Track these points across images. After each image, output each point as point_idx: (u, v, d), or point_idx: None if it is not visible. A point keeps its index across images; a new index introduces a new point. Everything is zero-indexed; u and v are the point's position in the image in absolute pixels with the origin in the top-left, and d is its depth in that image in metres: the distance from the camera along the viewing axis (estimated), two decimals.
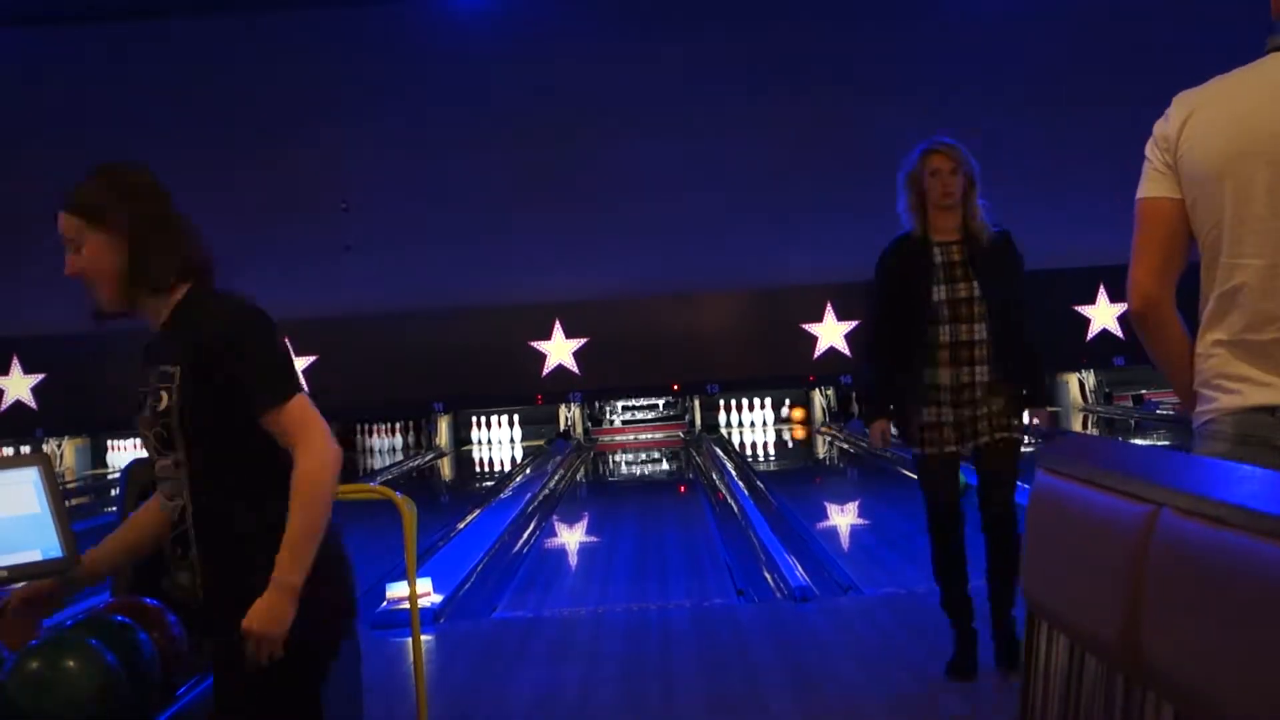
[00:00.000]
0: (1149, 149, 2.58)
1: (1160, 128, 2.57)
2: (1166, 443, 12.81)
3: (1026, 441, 4.83)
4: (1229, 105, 2.46)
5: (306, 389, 2.49)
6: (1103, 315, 15.36)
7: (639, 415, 17.41)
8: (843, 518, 10.17)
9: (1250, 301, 2.39)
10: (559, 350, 15.48)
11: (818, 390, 16.80)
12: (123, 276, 2.54)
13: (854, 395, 16.66)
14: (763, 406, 17.27)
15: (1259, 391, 2.37)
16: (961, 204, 4.68)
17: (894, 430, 4.74)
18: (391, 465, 15.99)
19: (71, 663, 2.15)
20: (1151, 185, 2.57)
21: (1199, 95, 2.53)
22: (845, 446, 14.88)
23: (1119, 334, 15.29)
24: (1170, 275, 2.54)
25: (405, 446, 17.38)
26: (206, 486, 2.47)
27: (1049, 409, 4.95)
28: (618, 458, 15.58)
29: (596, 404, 17.10)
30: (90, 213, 2.53)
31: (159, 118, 15.56)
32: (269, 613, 2.31)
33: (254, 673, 2.34)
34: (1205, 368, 2.47)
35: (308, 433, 2.39)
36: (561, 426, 16.96)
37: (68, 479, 15.81)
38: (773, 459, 14.85)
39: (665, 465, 14.65)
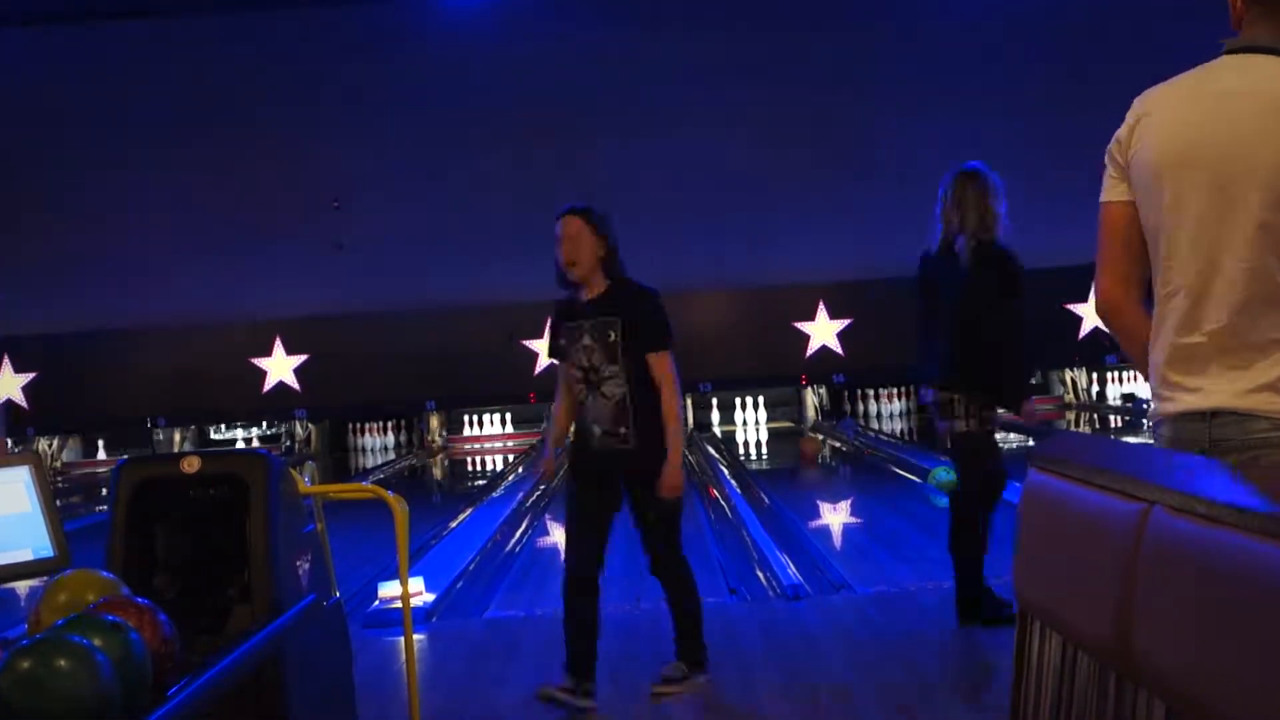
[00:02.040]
0: (1108, 153, 2.62)
1: (1119, 132, 2.60)
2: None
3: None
4: (1175, 110, 2.49)
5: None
6: (1095, 314, 15.38)
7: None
8: (835, 516, 10.18)
9: (1181, 309, 2.44)
10: None
11: (809, 389, 16.81)
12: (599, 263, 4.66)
13: (845, 394, 16.67)
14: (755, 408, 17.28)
15: (1190, 397, 2.43)
16: None
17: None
18: (384, 464, 15.98)
19: (63, 662, 2.14)
20: (1108, 190, 2.60)
21: (1152, 99, 2.55)
22: (837, 445, 14.89)
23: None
24: (1133, 277, 2.60)
25: (397, 445, 17.37)
26: (637, 383, 4.60)
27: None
28: None
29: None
30: (597, 226, 4.68)
31: (156, 118, 15.53)
32: (677, 475, 4.58)
33: (669, 503, 4.61)
34: (1152, 371, 2.54)
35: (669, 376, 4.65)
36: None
37: (59, 478, 15.79)
38: (765, 457, 14.86)
39: None
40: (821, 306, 15.61)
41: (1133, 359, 2.68)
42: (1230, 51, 2.49)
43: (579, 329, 4.64)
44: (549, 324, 4.87)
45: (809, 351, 15.64)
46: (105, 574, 2.72)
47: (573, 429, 4.77)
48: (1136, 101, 2.60)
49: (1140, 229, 2.56)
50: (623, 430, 4.57)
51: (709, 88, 15.80)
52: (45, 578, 2.73)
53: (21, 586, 6.80)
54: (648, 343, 4.61)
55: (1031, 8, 15.68)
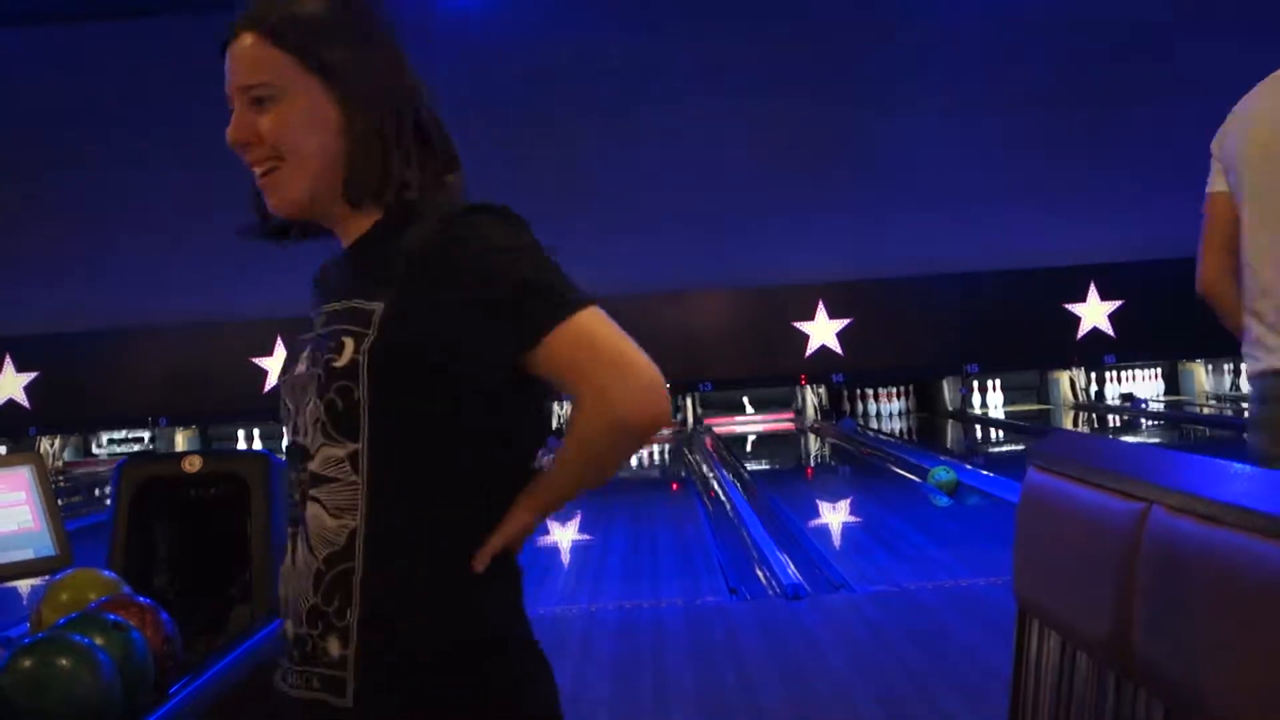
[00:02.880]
0: (1211, 148, 3.02)
1: (1221, 128, 3.00)
2: (1157, 440, 12.84)
3: None
4: (1256, 103, 2.87)
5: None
6: (1093, 313, 15.38)
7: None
8: (834, 515, 10.18)
9: (1263, 278, 2.79)
10: None
11: (809, 388, 16.80)
12: (337, 165, 1.63)
13: (844, 394, 16.67)
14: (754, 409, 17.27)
15: (1272, 356, 2.74)
16: None
17: None
18: None
19: (64, 661, 2.14)
20: (1210, 182, 2.98)
21: (1245, 97, 2.94)
22: (837, 444, 14.89)
23: (1109, 332, 15.32)
24: (1229, 258, 2.93)
25: None
26: (396, 502, 1.56)
27: None
28: None
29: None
30: (306, 49, 1.63)
31: (156, 117, 15.53)
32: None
33: None
34: (1245, 334, 2.87)
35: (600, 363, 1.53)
36: (556, 423, 16.90)
37: (60, 478, 15.78)
38: (765, 457, 14.85)
39: (656, 463, 14.65)
40: (821, 306, 15.60)
41: (1232, 329, 2.98)
42: None
43: (303, 340, 1.69)
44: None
45: (809, 351, 15.63)
46: (107, 573, 2.72)
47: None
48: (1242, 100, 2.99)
49: (1235, 215, 2.90)
50: (330, 648, 1.56)
51: (709, 88, 15.80)
52: (46, 577, 2.74)
53: (22, 586, 6.80)
54: (492, 349, 1.53)
55: (1031, 8, 15.68)
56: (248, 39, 1.68)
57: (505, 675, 1.61)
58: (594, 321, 1.54)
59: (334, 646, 1.57)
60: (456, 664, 1.55)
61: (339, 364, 1.56)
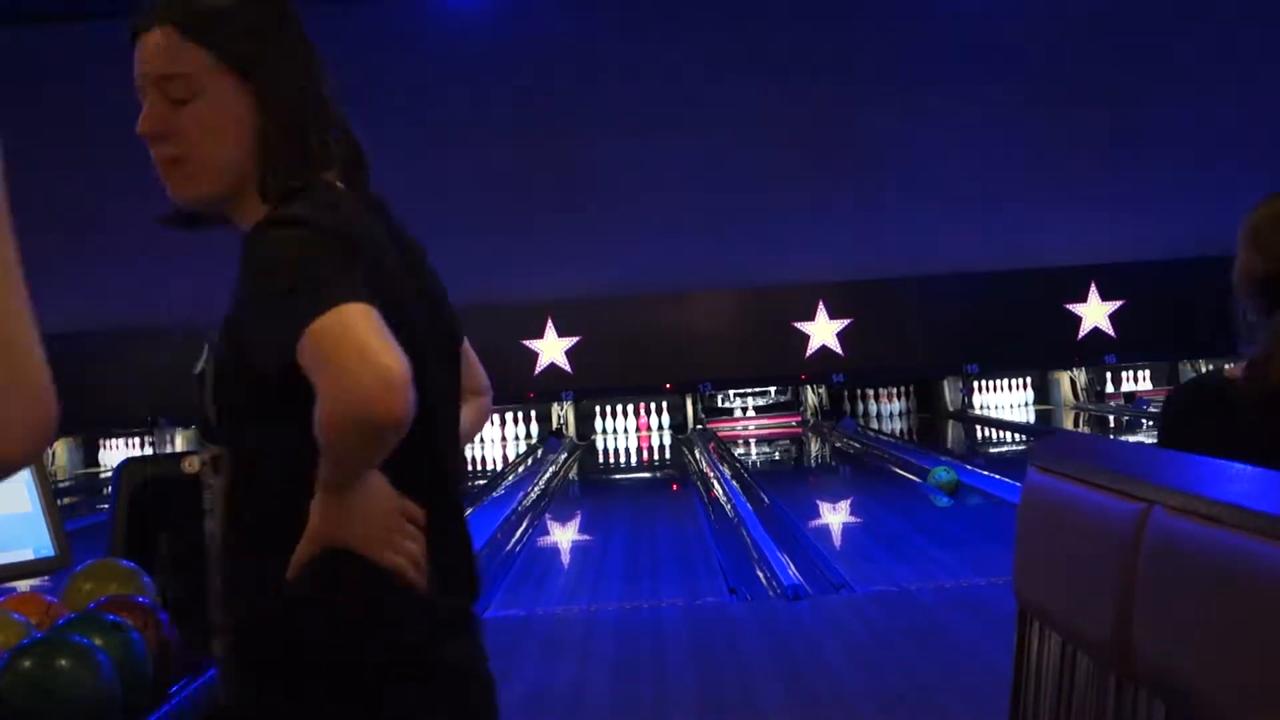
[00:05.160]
0: None
1: None
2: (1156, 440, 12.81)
3: None
4: None
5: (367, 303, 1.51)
6: (1094, 313, 15.38)
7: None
8: (835, 516, 10.18)
9: None
10: (551, 349, 15.49)
11: (810, 388, 16.80)
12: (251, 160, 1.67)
13: (845, 393, 16.67)
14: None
15: None
16: None
17: None
18: None
19: (64, 662, 2.14)
20: None
21: None
22: (838, 444, 14.90)
23: (1110, 332, 15.32)
24: None
25: None
26: (241, 507, 1.60)
27: None
28: (609, 459, 15.57)
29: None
30: (221, 44, 1.63)
31: None
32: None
33: None
34: None
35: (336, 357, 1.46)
36: (554, 424, 16.90)
37: (59, 478, 15.79)
38: (765, 457, 14.86)
39: (656, 463, 14.65)
40: (821, 306, 15.60)
41: None
42: None
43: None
44: None
45: (809, 351, 15.63)
46: (125, 563, 2.72)
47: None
48: None
49: None
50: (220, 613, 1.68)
51: (709, 87, 15.80)
52: (46, 577, 2.74)
53: (22, 586, 6.80)
54: (267, 344, 1.56)
55: (1032, 8, 15.68)
56: (160, 33, 1.65)
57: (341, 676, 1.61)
58: (346, 317, 1.47)
59: (220, 612, 1.69)
60: (285, 663, 1.61)
61: (195, 371, 1.73)
